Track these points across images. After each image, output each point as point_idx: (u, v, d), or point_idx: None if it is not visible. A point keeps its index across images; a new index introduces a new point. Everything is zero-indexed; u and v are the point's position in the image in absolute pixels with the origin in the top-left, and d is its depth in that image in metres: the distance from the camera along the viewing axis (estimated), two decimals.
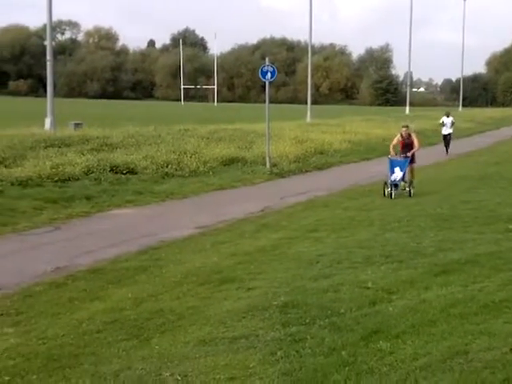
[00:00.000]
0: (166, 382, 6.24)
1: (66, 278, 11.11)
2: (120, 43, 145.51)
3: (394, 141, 20.22)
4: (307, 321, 7.34)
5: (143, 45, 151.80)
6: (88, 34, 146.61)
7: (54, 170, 19.80)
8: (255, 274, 10.61)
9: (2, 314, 9.22)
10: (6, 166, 20.01)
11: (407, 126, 20.28)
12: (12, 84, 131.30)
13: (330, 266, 10.75)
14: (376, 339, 6.87)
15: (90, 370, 6.90)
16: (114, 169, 21.61)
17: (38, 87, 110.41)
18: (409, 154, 19.57)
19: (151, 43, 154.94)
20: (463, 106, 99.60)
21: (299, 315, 7.62)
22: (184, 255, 12.78)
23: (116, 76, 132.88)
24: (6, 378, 6.83)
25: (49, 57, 33.45)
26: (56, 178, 19.54)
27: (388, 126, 48.59)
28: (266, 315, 8.00)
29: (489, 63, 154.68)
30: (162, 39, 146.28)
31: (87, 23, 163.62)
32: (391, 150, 19.81)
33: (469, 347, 6.72)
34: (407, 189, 19.52)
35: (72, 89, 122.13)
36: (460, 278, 9.62)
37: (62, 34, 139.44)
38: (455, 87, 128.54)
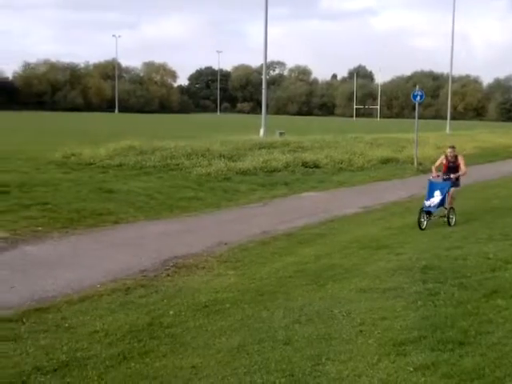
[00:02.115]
0: (335, 316, 6.38)
1: (270, 239, 12.12)
2: (312, 76, 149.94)
3: (438, 162, 14.07)
4: (441, 280, 7.60)
5: (328, 77, 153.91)
6: (290, 70, 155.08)
7: (264, 164, 22.42)
8: (402, 243, 10.94)
9: (226, 261, 10.13)
10: (233, 161, 22.40)
11: (453, 147, 14.04)
12: (239, 105, 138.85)
13: (459, 240, 10.68)
14: (495, 297, 6.80)
15: (283, 304, 7.46)
16: (305, 164, 23.63)
17: (256, 107, 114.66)
18: (452, 176, 13.28)
19: (334, 76, 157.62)
20: None
21: (435, 275, 7.93)
22: (351, 227, 13.52)
23: (309, 99, 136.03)
24: (227, 305, 7.43)
25: (264, 86, 34.79)
26: (265, 170, 21.80)
27: (510, 137, 45.46)
28: (410, 274, 8.25)
29: None
30: (342, 73, 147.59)
31: (290, 62, 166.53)
32: (433, 171, 13.78)
33: None
34: (448, 217, 12.97)
35: (279, 108, 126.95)
36: None
37: (273, 70, 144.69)
38: None
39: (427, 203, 12.45)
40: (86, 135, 33.62)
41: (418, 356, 5.18)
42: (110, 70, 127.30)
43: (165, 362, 5.63)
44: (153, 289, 8.25)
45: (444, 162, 13.36)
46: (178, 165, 20.50)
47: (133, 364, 5.62)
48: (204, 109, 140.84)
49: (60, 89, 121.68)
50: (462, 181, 13.64)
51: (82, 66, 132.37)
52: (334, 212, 14.92)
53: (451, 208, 12.95)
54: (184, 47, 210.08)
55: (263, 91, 37.58)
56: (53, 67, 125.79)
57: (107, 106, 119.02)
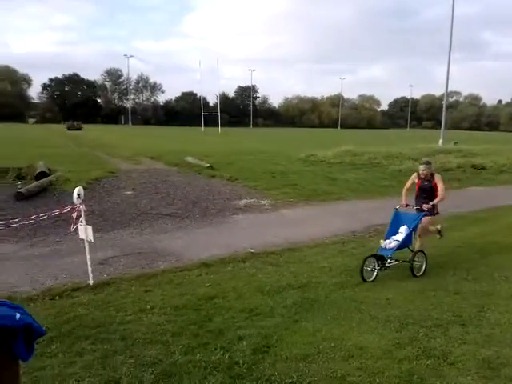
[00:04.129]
0: (495, 279, 6.29)
1: (455, 218, 10.47)
2: (482, 102, 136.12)
3: (408, 183, 7.03)
4: None
5: (495, 101, 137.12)
6: (465, 97, 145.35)
7: (441, 165, 19.77)
8: None
9: None
10: (419, 162, 19.11)
11: (428, 163, 6.91)
12: (424, 123, 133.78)
13: None
14: None
15: (452, 265, 6.83)
16: (473, 166, 20.65)
17: (436, 125, 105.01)
18: (425, 207, 6.58)
19: (499, 101, 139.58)
20: None
21: None
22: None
23: (478, 118, 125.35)
24: (477, 256, 7.18)
25: (444, 108, 33.52)
26: (442, 169, 18.66)
27: None
28: None
29: None
30: (506, 98, 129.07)
31: (465, 91, 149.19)
32: (403, 196, 6.86)
33: None
34: (411, 263, 6.30)
35: (454, 125, 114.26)
36: None
37: (451, 97, 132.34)
38: None
39: (383, 243, 6.43)
40: (319, 143, 34.19)
41: None
42: (336, 101, 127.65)
43: (367, 294, 5.60)
44: (360, 243, 8.16)
45: (416, 181, 6.96)
46: (378, 163, 19.82)
47: (347, 291, 5.68)
48: (398, 126, 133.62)
49: (305, 113, 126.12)
50: (443, 206, 7.21)
51: (319, 98, 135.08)
52: (497, 202, 13.04)
53: (420, 251, 6.54)
54: (386, 83, 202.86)
55: (443, 112, 34.87)
56: (301, 100, 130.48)
57: (333, 124, 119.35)
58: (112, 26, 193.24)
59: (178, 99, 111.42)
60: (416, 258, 6.49)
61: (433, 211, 6.84)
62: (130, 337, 4.27)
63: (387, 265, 6.34)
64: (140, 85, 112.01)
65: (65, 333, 4.32)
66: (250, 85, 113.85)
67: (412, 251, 6.62)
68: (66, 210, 5.81)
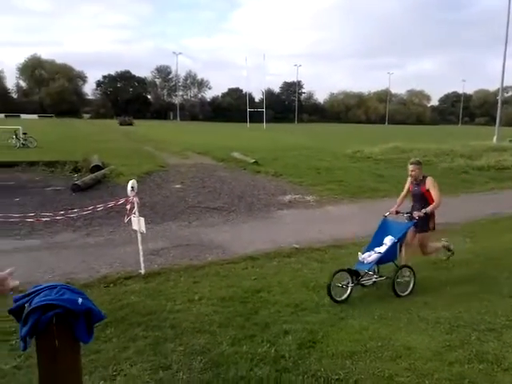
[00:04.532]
0: None
1: (499, 218, 10.30)
2: None
3: (405, 188, 5.96)
4: None
5: None
6: None
7: (495, 163, 19.29)
8: None
9: (463, 231, 8.81)
10: (470, 159, 19.96)
11: (418, 163, 5.73)
12: (477, 119, 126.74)
13: None
14: None
15: (508, 267, 6.43)
16: None
17: (490, 121, 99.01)
18: (415, 214, 5.50)
19: None
20: None
21: None
22: None
23: None
24: (465, 263, 6.63)
25: (499, 104, 32.66)
26: (496, 167, 18.66)
27: None
28: None
29: None
30: None
31: None
32: (398, 203, 5.91)
33: None
34: (393, 280, 5.30)
35: (509, 122, 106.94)
36: None
37: (507, 92, 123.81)
38: None
39: (361, 256, 5.42)
40: (366, 139, 33.48)
41: None
42: (383, 96, 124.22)
43: (416, 294, 5.46)
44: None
45: (408, 186, 5.96)
46: (428, 161, 18.77)
47: None
48: (449, 122, 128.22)
49: (351, 109, 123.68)
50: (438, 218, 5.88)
51: (366, 93, 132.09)
52: None
53: (405, 267, 5.53)
54: (436, 78, 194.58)
55: (498, 108, 32.87)
56: (347, 95, 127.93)
57: (380, 120, 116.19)
58: (163, 23, 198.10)
59: (224, 95, 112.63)
60: (400, 274, 5.45)
61: (426, 224, 5.67)
62: (179, 325, 4.39)
63: (364, 282, 5.38)
64: (188, 81, 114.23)
65: (118, 319, 4.50)
66: (295, 80, 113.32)
67: (397, 266, 5.51)
68: (120, 202, 6.05)
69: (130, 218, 5.97)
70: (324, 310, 4.85)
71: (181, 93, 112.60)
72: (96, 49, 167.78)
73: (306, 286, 5.55)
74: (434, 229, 5.80)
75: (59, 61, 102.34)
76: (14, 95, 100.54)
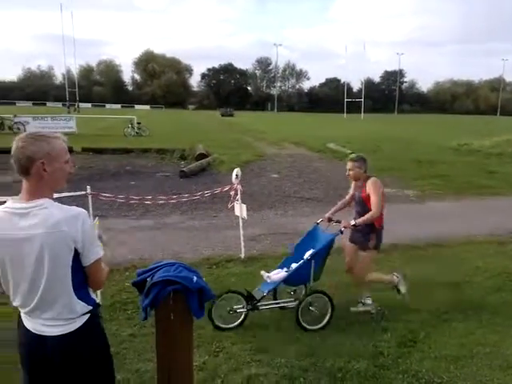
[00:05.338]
0: None
1: None
2: None
3: (350, 192, 4.44)
4: None
5: None
6: None
7: None
8: None
9: None
10: None
11: (359, 159, 4.17)
12: None
13: None
14: None
15: None
16: None
17: None
18: (343, 224, 4.06)
19: None
20: None
21: None
22: None
23: None
24: None
25: None
26: None
27: None
28: None
29: None
30: None
31: None
32: (335, 207, 4.49)
33: None
34: (297, 311, 3.98)
35: None
36: None
37: None
38: None
39: (265, 275, 4.16)
40: (475, 131, 30.92)
41: None
42: (496, 85, 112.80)
43: None
44: None
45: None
46: None
47: (505, 294, 5.07)
48: None
49: (458, 98, 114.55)
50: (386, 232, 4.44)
51: (476, 82, 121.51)
52: None
53: (320, 292, 4.13)
54: None
55: None
56: (454, 83, 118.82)
57: (491, 111, 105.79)
58: (264, 15, 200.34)
59: (321, 85, 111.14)
60: (310, 302, 4.13)
61: (366, 240, 4.27)
62: (277, 310, 4.48)
63: (263, 306, 4.17)
64: (287, 72, 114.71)
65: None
66: (396, 69, 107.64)
67: (306, 290, 4.29)
68: (226, 189, 6.34)
69: (234, 204, 6.21)
70: (425, 309, 4.60)
71: (279, 84, 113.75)
72: (201, 43, 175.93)
73: None
74: (375, 249, 4.35)
75: (169, 55, 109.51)
76: (130, 87, 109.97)
